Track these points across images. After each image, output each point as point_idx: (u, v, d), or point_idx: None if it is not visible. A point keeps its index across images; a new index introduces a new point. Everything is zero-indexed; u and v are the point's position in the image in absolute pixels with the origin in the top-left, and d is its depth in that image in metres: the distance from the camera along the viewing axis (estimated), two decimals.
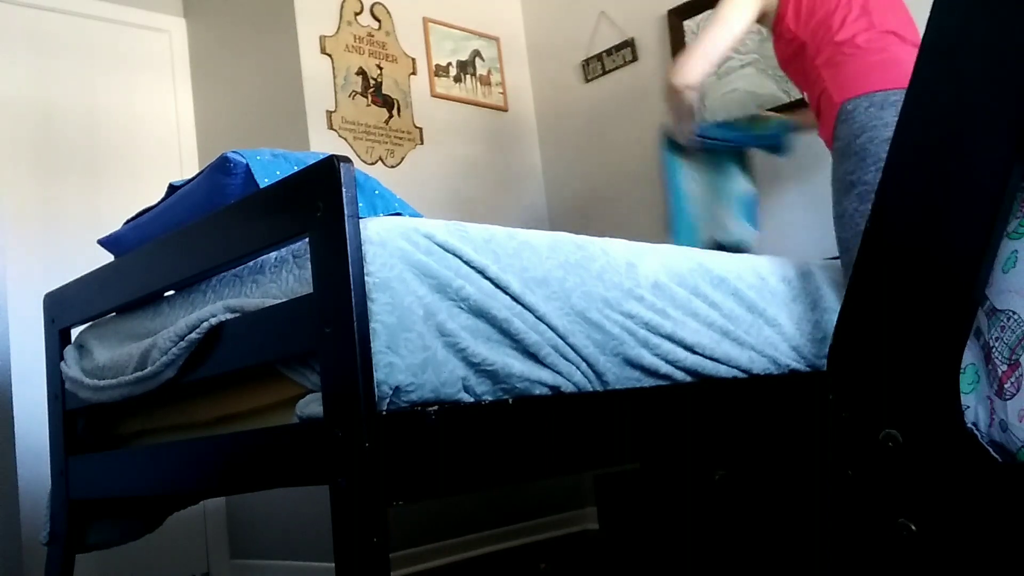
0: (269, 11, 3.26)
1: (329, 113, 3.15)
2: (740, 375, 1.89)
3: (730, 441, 1.90)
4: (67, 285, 2.05)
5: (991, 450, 0.85)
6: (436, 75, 3.55)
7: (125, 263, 1.87)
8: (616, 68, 3.54)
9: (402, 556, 2.98)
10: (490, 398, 1.46)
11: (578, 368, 1.59)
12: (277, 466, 1.46)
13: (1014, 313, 0.85)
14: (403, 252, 1.39)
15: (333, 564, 1.56)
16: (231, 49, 3.45)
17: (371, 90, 3.30)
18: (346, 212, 1.30)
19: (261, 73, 3.29)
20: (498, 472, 1.45)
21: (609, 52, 3.54)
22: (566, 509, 3.52)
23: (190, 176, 2.66)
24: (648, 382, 1.72)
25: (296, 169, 1.64)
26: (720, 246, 2.46)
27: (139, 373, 1.69)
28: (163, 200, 1.86)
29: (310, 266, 1.38)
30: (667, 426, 1.73)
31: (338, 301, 1.30)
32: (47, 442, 2.20)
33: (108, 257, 2.49)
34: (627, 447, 1.67)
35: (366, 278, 1.32)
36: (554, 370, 1.55)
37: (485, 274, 1.49)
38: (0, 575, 2.74)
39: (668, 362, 1.74)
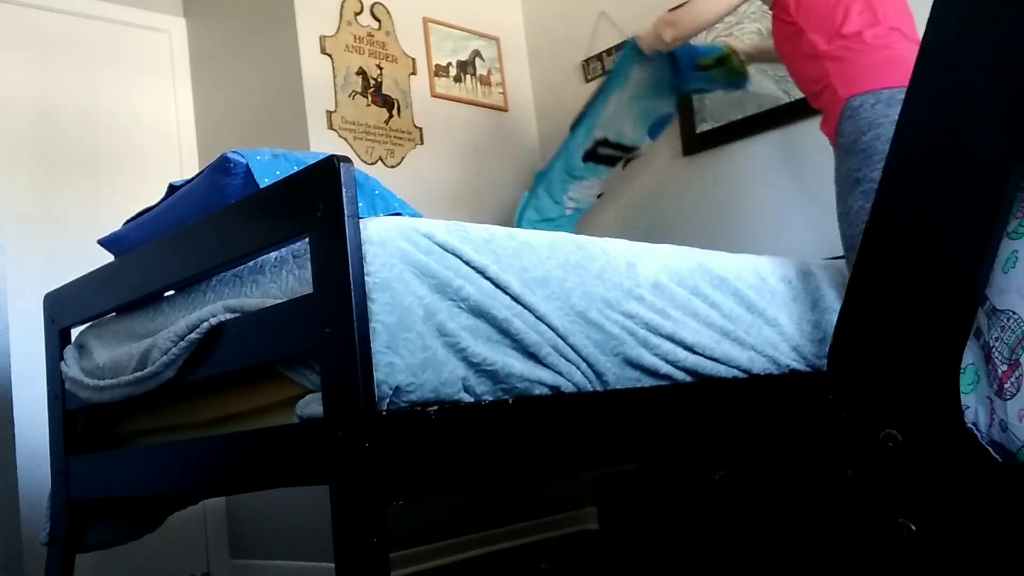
0: (269, 11, 3.26)
1: (329, 113, 3.15)
2: (740, 375, 1.89)
3: (730, 441, 1.90)
4: (67, 285, 2.05)
5: (991, 450, 0.85)
6: (436, 75, 3.55)
7: (125, 263, 1.87)
8: None
9: (402, 556, 2.98)
10: (490, 398, 1.46)
11: (578, 368, 1.59)
12: (277, 466, 1.46)
13: (1014, 313, 0.85)
14: (403, 252, 1.39)
15: (333, 564, 1.56)
16: (231, 49, 3.45)
17: (371, 90, 3.30)
18: (346, 212, 1.30)
19: (261, 73, 3.29)
20: (498, 472, 1.45)
21: (609, 52, 3.54)
22: (566, 509, 3.52)
23: (190, 176, 2.67)
24: (648, 382, 1.72)
25: (296, 169, 1.64)
26: (605, 142, 2.73)
27: (139, 373, 1.69)
28: (163, 200, 1.86)
29: (310, 266, 1.38)
30: (667, 426, 1.73)
31: (338, 301, 1.30)
32: (47, 442, 2.20)
33: (108, 257, 2.49)
34: (627, 447, 1.67)
35: (366, 278, 1.32)
36: (554, 370, 1.55)
37: (485, 274, 1.49)
38: (0, 575, 2.74)
39: (668, 362, 1.74)
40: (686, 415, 1.77)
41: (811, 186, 2.90)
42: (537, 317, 1.54)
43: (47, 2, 3.30)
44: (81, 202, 3.26)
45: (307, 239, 1.40)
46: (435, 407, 1.37)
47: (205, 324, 1.56)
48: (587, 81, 3.64)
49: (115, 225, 2.97)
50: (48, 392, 2.08)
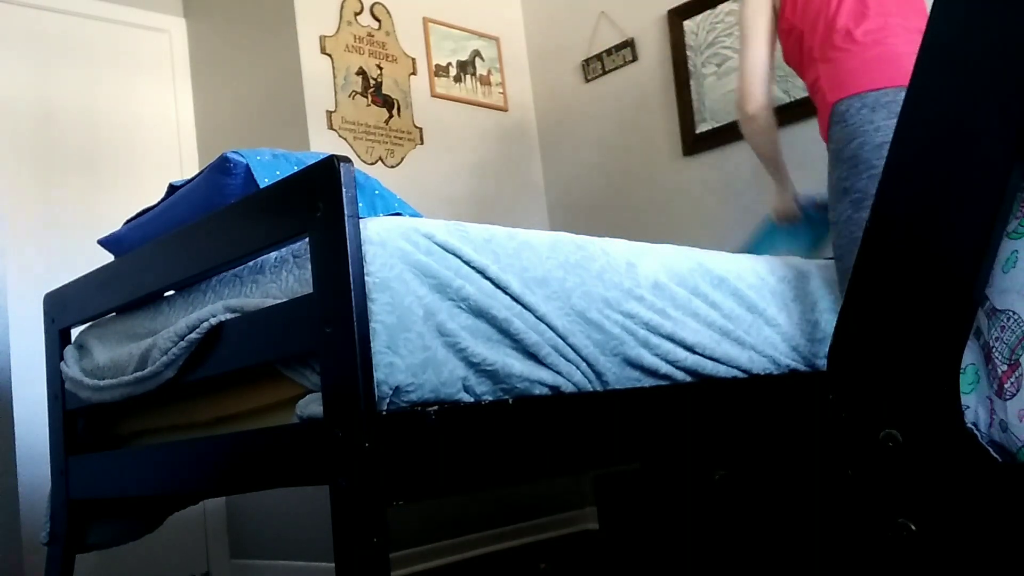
0: (269, 11, 3.26)
1: (329, 113, 3.15)
2: (740, 375, 1.89)
3: (730, 441, 1.89)
4: (67, 285, 2.05)
5: (991, 450, 0.85)
6: (436, 75, 3.55)
7: (125, 263, 1.87)
8: (616, 68, 3.54)
9: (402, 556, 2.98)
10: (490, 398, 1.46)
11: (578, 368, 1.59)
12: (277, 466, 1.46)
13: (1014, 313, 0.85)
14: (403, 252, 1.39)
15: (333, 564, 1.56)
16: (231, 49, 3.45)
17: (371, 90, 3.30)
18: (346, 212, 1.30)
19: (261, 73, 3.29)
20: (498, 472, 1.45)
21: (609, 52, 3.54)
22: (566, 509, 3.52)
23: (190, 176, 2.67)
24: (648, 382, 1.72)
25: (296, 169, 1.64)
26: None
27: (139, 373, 1.69)
28: (163, 200, 1.86)
29: (310, 266, 1.38)
30: (667, 426, 1.73)
31: (338, 301, 1.30)
32: (47, 442, 2.20)
33: (108, 257, 2.49)
34: (627, 447, 1.67)
35: (366, 278, 1.32)
36: (554, 370, 1.55)
37: (485, 274, 1.49)
38: (0, 575, 2.74)
39: (668, 362, 1.74)
40: (686, 415, 1.77)
41: (811, 186, 2.89)
42: (537, 317, 1.54)
43: (47, 2, 3.31)
44: (81, 202, 3.26)
45: (307, 239, 1.40)
46: (435, 407, 1.37)
47: (205, 324, 1.56)
48: (587, 81, 3.64)
49: (115, 225, 2.97)
50: (48, 392, 2.08)
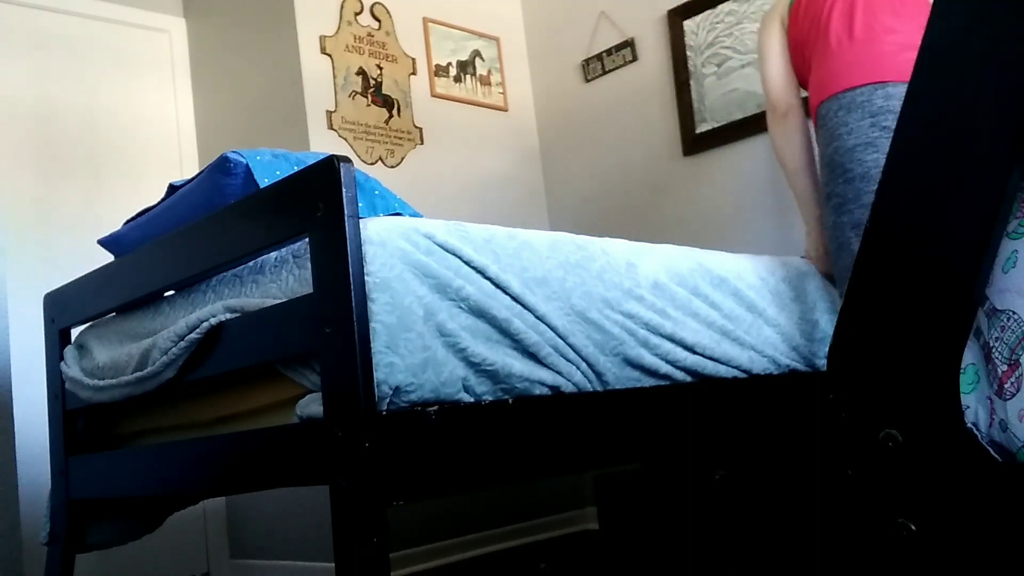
0: (269, 11, 3.26)
1: (329, 113, 3.15)
2: (740, 375, 1.89)
3: (730, 441, 1.89)
4: (67, 285, 2.05)
5: (991, 450, 0.85)
6: (436, 75, 3.55)
7: (125, 263, 1.87)
8: (616, 68, 3.53)
9: (402, 556, 2.98)
10: (490, 398, 1.46)
11: (578, 368, 1.59)
12: (277, 466, 1.46)
13: (1014, 313, 0.85)
14: (403, 252, 1.39)
15: (333, 564, 1.56)
16: (231, 49, 3.45)
17: (371, 90, 3.30)
18: (346, 212, 1.30)
19: (261, 73, 3.29)
20: (498, 472, 1.45)
21: (609, 52, 3.54)
22: (566, 509, 3.52)
23: (190, 176, 2.67)
24: (648, 382, 1.72)
25: (296, 169, 1.64)
26: None
27: (139, 373, 1.69)
28: (163, 200, 1.86)
29: (310, 266, 1.38)
30: (667, 426, 1.73)
31: (338, 301, 1.30)
32: (47, 442, 2.20)
33: (108, 257, 2.49)
34: (627, 447, 1.67)
35: (366, 278, 1.32)
36: (554, 370, 1.55)
37: (485, 274, 1.49)
38: (0, 575, 2.74)
39: (668, 362, 1.74)
40: (686, 415, 1.77)
41: None
42: (537, 317, 1.54)
43: (47, 2, 3.30)
44: (81, 202, 3.26)
45: (307, 239, 1.39)
46: (435, 407, 1.37)
47: (205, 324, 1.56)
48: (587, 81, 3.64)
49: (115, 225, 2.97)
50: (48, 392, 2.08)
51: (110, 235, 2.01)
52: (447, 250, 1.46)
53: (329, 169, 1.32)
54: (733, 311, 1.91)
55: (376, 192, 1.78)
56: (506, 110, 3.77)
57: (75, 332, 2.11)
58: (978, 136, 0.80)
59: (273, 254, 1.58)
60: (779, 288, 2.07)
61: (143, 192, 3.34)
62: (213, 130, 3.52)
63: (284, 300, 1.46)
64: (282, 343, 1.43)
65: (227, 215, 1.56)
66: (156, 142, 3.50)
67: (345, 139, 3.18)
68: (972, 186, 0.81)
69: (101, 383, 1.82)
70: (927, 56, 0.85)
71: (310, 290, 1.38)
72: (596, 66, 3.60)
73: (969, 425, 0.87)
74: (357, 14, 3.33)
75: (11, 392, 2.86)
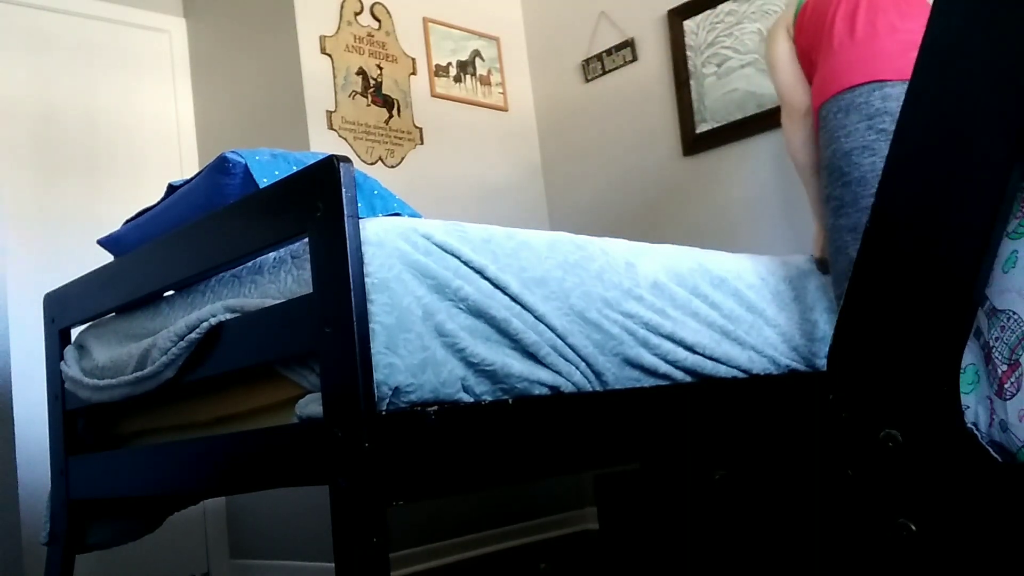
0: (269, 11, 3.26)
1: (329, 113, 3.15)
2: (740, 375, 1.89)
3: (730, 441, 1.89)
4: (67, 285, 2.05)
5: (991, 450, 0.85)
6: (436, 75, 3.55)
7: (125, 263, 1.87)
8: (616, 68, 3.53)
9: (402, 556, 2.98)
10: (489, 398, 1.46)
11: (577, 368, 1.59)
12: (277, 466, 1.46)
13: (1014, 313, 0.85)
14: (402, 252, 1.39)
15: (333, 564, 1.56)
16: (231, 49, 3.45)
17: (371, 90, 3.30)
18: (346, 212, 1.30)
19: (261, 73, 3.29)
20: (498, 472, 1.45)
21: (609, 52, 3.54)
22: (566, 509, 3.52)
23: (190, 176, 2.66)
24: (648, 382, 1.72)
25: (295, 169, 1.64)
26: None
27: (139, 373, 1.69)
28: (163, 200, 1.86)
29: (309, 267, 1.38)
30: (667, 426, 1.73)
31: (338, 301, 1.30)
32: (47, 442, 2.20)
33: (108, 257, 2.49)
34: (627, 447, 1.67)
35: (365, 279, 1.32)
36: (553, 370, 1.55)
37: (484, 274, 1.49)
38: (0, 575, 2.74)
39: (668, 362, 1.74)
40: (686, 415, 1.77)
41: None
42: (536, 317, 1.54)
43: (47, 2, 3.30)
44: (80, 202, 3.26)
45: (306, 239, 1.39)
46: (435, 407, 1.37)
47: (205, 324, 1.56)
48: (587, 81, 3.64)
49: (115, 225, 2.97)
50: (48, 392, 2.08)
51: (110, 235, 2.01)
52: (445, 250, 1.46)
53: (329, 169, 1.32)
54: (733, 311, 1.91)
55: (375, 192, 1.78)
56: (506, 110, 3.77)
57: (75, 332, 2.11)
58: (978, 136, 0.80)
59: (271, 255, 1.58)
60: (779, 288, 2.07)
61: (143, 192, 3.34)
62: (213, 130, 3.52)
63: (282, 301, 1.46)
64: (282, 343, 1.43)
65: (226, 215, 1.56)
66: (156, 142, 3.50)
67: (345, 139, 3.18)
68: (972, 186, 0.81)
69: (101, 383, 1.82)
70: (927, 56, 0.85)
71: (308, 291, 1.38)
72: (596, 66, 3.60)
73: (969, 425, 0.87)
74: (357, 14, 3.33)
75: (11, 392, 2.86)
